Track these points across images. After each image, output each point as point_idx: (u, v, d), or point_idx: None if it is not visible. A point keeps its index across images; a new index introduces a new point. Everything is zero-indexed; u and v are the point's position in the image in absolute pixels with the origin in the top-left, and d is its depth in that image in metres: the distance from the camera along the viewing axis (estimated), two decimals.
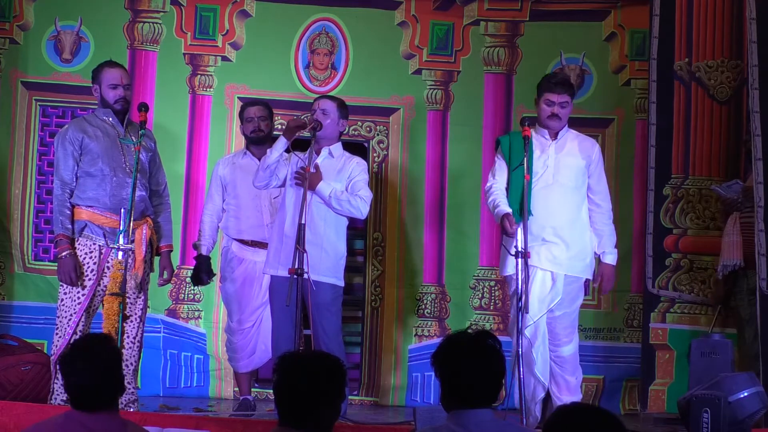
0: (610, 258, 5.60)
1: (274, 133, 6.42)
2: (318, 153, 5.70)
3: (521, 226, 5.24)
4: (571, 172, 5.49)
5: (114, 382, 3.38)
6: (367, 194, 5.68)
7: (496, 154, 5.66)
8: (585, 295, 5.75)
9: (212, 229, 6.19)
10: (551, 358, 5.48)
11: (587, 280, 5.66)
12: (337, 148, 5.76)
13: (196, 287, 6.69)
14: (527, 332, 5.32)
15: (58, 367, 3.51)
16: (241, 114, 6.31)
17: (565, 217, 5.46)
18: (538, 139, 5.55)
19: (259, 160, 6.17)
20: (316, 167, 5.60)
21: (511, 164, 5.49)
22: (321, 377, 3.12)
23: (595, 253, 5.59)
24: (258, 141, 6.18)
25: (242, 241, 6.10)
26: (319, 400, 3.10)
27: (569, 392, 5.45)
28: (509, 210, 5.44)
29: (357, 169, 5.70)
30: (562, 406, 2.81)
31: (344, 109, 5.79)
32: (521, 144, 5.45)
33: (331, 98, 5.86)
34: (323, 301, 5.54)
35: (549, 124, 5.54)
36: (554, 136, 5.57)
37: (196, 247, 6.21)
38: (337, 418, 3.21)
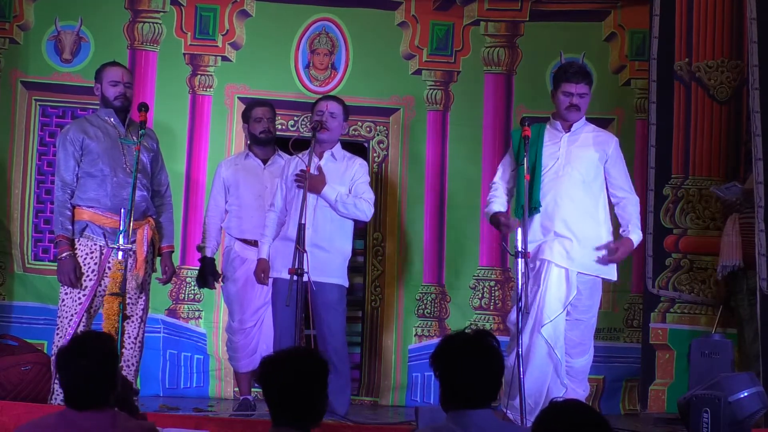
0: (634, 236, 5.41)
1: (277, 133, 6.42)
2: (320, 156, 5.72)
3: (522, 223, 5.19)
4: (583, 165, 5.38)
5: (106, 382, 3.37)
6: (370, 197, 5.72)
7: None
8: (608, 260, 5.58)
9: (216, 231, 6.20)
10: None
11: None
12: (338, 150, 5.79)
13: (196, 287, 6.68)
14: (545, 333, 5.24)
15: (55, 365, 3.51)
16: (246, 114, 6.28)
17: (576, 210, 5.35)
18: (551, 131, 5.48)
19: (263, 161, 6.19)
20: (319, 170, 5.63)
21: (518, 159, 5.42)
22: (303, 374, 3.14)
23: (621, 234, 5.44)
24: (265, 142, 6.18)
25: (245, 241, 6.10)
26: (305, 395, 3.12)
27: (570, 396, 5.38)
28: (501, 209, 5.44)
29: (360, 171, 5.74)
30: (554, 403, 2.84)
31: (347, 111, 5.83)
32: (534, 137, 5.38)
33: (337, 100, 5.87)
34: (330, 300, 5.58)
35: (568, 116, 5.44)
36: (568, 128, 5.48)
37: (200, 249, 6.21)
38: (326, 408, 3.23)
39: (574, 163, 5.39)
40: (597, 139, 5.48)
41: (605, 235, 5.43)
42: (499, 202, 5.51)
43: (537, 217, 5.36)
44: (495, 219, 5.46)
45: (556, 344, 5.26)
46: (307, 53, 7.12)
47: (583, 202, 5.39)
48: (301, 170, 5.54)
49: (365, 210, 5.69)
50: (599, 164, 5.43)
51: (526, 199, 5.20)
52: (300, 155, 5.65)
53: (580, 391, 5.42)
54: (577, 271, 5.33)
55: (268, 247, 5.68)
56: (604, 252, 5.38)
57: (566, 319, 5.33)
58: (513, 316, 5.35)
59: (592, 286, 5.42)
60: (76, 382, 3.34)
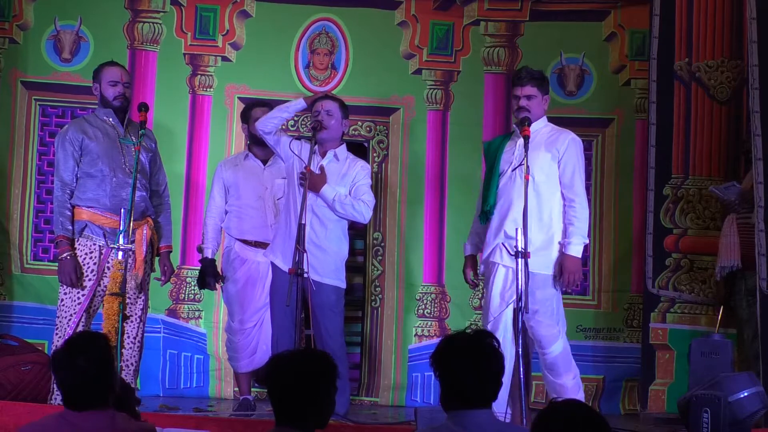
0: (572, 249, 5.30)
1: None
2: (323, 155, 5.73)
3: (523, 222, 5.19)
4: (534, 166, 5.33)
5: (103, 381, 3.38)
6: (370, 199, 5.72)
7: None
8: (562, 291, 5.51)
9: (216, 231, 6.18)
10: (542, 365, 5.36)
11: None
12: (342, 150, 5.79)
13: (196, 287, 6.68)
14: (490, 328, 5.22)
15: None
16: (246, 114, 6.28)
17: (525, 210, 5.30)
18: (512, 137, 5.53)
19: (262, 161, 6.19)
20: (321, 169, 5.64)
21: (487, 165, 5.54)
22: (312, 375, 3.14)
23: (559, 243, 5.37)
24: (264, 142, 6.17)
25: (245, 242, 6.10)
26: (312, 396, 3.13)
27: (568, 396, 5.33)
28: (473, 252, 5.59)
29: (361, 173, 5.74)
30: (553, 403, 2.85)
31: (346, 109, 5.84)
32: (495, 146, 5.49)
33: (333, 98, 5.89)
34: (327, 302, 5.59)
35: (517, 117, 5.48)
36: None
37: (200, 250, 6.20)
38: (333, 410, 3.23)
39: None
40: (549, 138, 5.45)
41: (557, 236, 5.38)
42: (473, 244, 5.63)
43: (494, 221, 5.39)
44: (465, 263, 5.66)
45: (501, 338, 5.21)
46: (307, 53, 7.12)
47: (532, 203, 5.31)
48: (303, 170, 5.54)
49: (363, 212, 5.69)
50: (551, 163, 5.40)
51: (526, 199, 5.20)
52: (303, 143, 5.67)
53: (568, 380, 5.34)
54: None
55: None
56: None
57: (525, 316, 5.25)
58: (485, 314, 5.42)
59: (543, 280, 5.35)
60: (72, 383, 3.34)
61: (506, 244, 5.29)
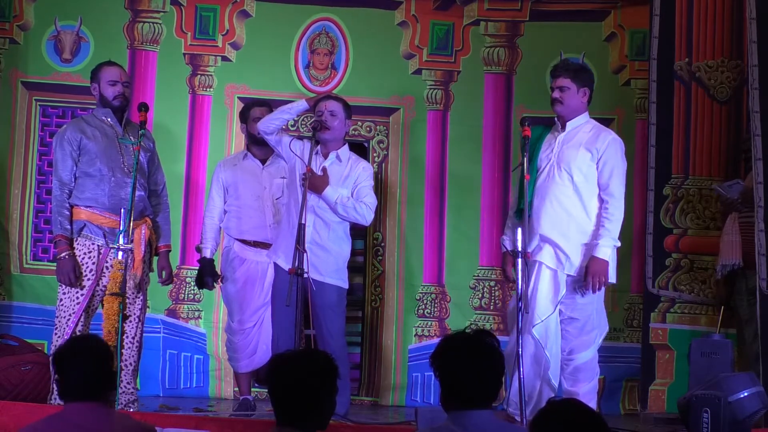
0: (599, 251, 5.24)
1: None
2: (325, 156, 5.72)
3: (522, 223, 5.18)
4: (573, 165, 5.30)
5: (103, 376, 3.50)
6: (371, 201, 5.71)
7: None
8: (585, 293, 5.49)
9: (214, 231, 6.18)
10: (562, 369, 5.33)
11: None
12: (344, 151, 5.78)
13: (196, 287, 6.69)
14: (536, 332, 5.21)
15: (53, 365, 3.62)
16: (244, 114, 6.28)
17: (564, 211, 5.30)
18: (552, 132, 5.46)
19: (261, 161, 6.18)
20: (324, 171, 5.63)
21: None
22: (313, 375, 3.15)
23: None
24: (264, 142, 6.16)
25: (244, 242, 6.10)
26: (313, 397, 3.13)
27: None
28: (509, 246, 5.37)
29: (363, 174, 5.74)
30: (551, 402, 2.86)
31: (349, 110, 5.83)
32: (534, 138, 5.37)
33: (337, 98, 5.87)
34: (329, 302, 5.59)
35: (554, 110, 5.44)
36: (564, 127, 5.43)
37: (198, 249, 6.19)
38: (333, 411, 3.24)
39: (564, 164, 5.34)
40: (592, 137, 5.39)
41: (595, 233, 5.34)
42: (509, 238, 5.44)
43: (533, 219, 5.31)
44: (503, 259, 5.54)
45: (546, 344, 5.23)
46: (307, 53, 7.12)
47: (571, 203, 5.32)
48: (305, 171, 5.54)
49: (365, 214, 5.68)
50: (591, 163, 5.34)
51: (526, 200, 5.20)
52: (303, 145, 5.66)
53: (584, 387, 5.32)
54: (565, 272, 5.30)
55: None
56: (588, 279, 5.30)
57: (561, 319, 5.31)
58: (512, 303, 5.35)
59: (582, 284, 5.32)
60: (81, 380, 3.43)
61: (546, 245, 5.28)
